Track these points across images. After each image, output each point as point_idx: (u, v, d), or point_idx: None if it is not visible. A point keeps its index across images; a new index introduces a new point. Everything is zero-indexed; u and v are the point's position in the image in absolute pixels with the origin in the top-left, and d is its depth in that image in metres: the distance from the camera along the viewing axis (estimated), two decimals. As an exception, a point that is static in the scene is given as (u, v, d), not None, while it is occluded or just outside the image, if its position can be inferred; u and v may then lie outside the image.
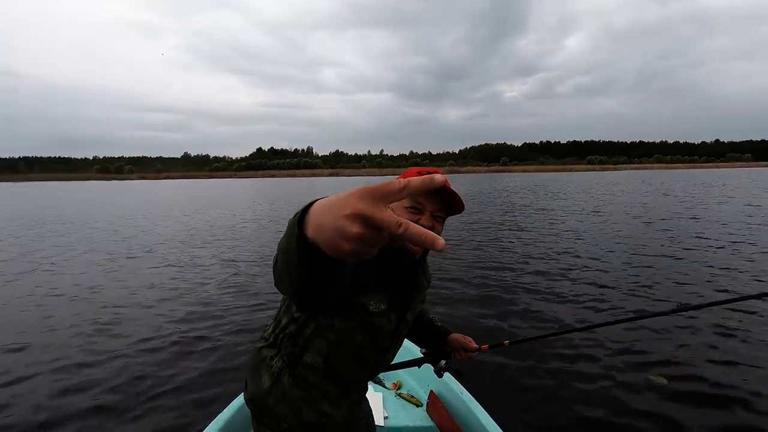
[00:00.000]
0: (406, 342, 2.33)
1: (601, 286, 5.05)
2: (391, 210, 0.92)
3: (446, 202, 1.09)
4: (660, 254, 6.66)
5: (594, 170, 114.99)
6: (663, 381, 2.95)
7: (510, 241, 8.26)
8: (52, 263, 7.23)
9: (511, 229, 10.01)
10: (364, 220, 0.46)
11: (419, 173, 1.06)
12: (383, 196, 0.46)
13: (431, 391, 2.12)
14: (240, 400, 1.80)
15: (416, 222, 1.04)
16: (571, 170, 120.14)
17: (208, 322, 4.28)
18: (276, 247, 0.74)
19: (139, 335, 3.96)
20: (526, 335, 1.88)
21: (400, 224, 0.44)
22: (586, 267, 5.98)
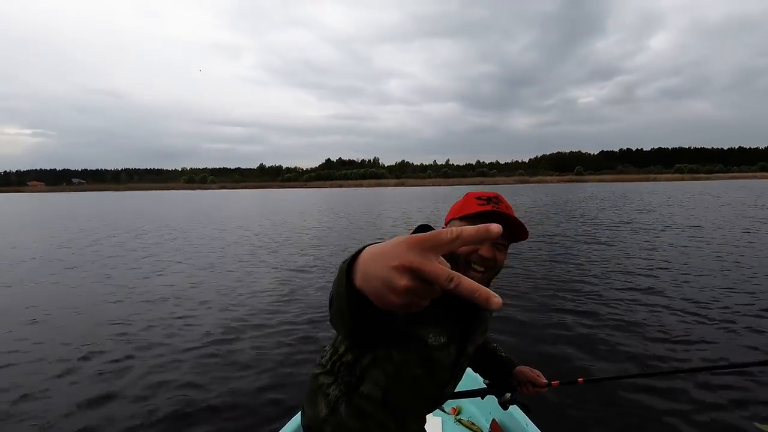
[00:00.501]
0: (469, 369, 2.19)
1: (699, 322, 4.38)
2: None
3: (509, 229, 1.04)
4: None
5: (683, 179, 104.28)
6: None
7: (588, 261, 7.72)
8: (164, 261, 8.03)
9: (588, 245, 9.40)
10: (413, 272, 0.43)
11: (478, 198, 1.04)
12: (433, 247, 0.43)
13: (493, 420, 2.02)
14: (296, 421, 1.75)
15: (475, 252, 1.00)
16: (654, 179, 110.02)
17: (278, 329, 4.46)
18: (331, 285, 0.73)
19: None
20: (604, 374, 1.73)
21: (452, 279, 0.41)
22: (682, 296, 5.29)
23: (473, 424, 2.13)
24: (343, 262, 0.57)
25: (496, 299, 0.40)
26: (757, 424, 2.65)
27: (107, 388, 3.23)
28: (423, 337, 1.00)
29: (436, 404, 1.15)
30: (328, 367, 1.10)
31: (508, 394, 1.40)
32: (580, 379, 1.49)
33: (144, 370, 3.53)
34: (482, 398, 1.49)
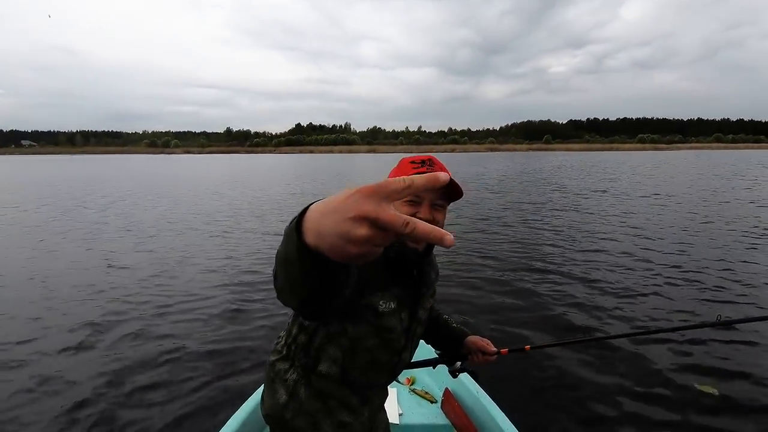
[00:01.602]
0: (422, 341, 2.25)
1: (641, 291, 4.53)
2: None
3: (446, 190, 1.03)
4: (720, 255, 5.95)
5: (645, 149, 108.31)
6: (712, 390, 2.75)
7: (541, 231, 7.87)
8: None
9: (542, 218, 9.57)
10: (370, 221, 0.44)
11: (412, 163, 1.05)
12: (387, 196, 0.44)
13: (446, 389, 2.08)
14: (248, 406, 1.75)
15: (414, 214, 1.00)
16: (618, 149, 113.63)
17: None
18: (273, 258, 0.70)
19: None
20: (550, 341, 1.79)
21: (407, 223, 0.42)
22: (626, 266, 5.49)
23: (427, 393, 2.19)
24: (289, 225, 0.56)
25: (449, 237, 0.42)
26: (697, 385, 2.79)
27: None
28: (374, 305, 1.00)
29: (394, 374, 1.15)
30: (284, 352, 1.11)
31: (459, 363, 1.43)
32: (527, 347, 1.54)
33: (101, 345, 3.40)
34: (434, 368, 1.51)
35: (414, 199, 1.01)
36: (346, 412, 1.10)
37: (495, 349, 1.38)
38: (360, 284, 0.95)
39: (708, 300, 4.31)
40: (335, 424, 1.09)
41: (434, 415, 2.05)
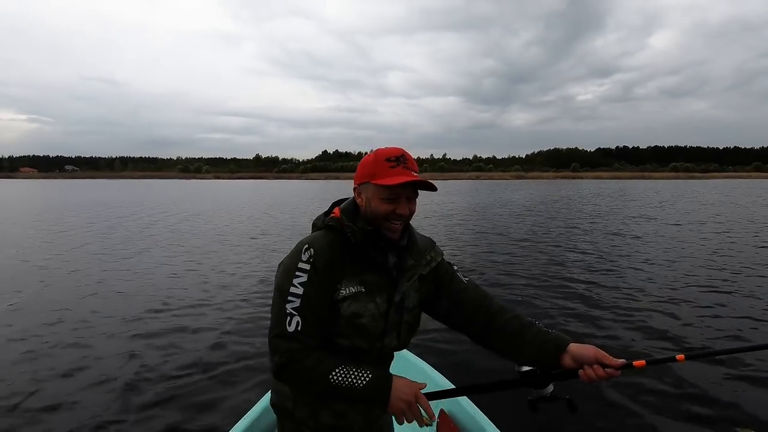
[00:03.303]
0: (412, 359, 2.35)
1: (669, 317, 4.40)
2: (368, 200, 1.13)
3: (421, 186, 1.11)
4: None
5: (678, 178, 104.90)
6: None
7: (575, 262, 7.52)
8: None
9: (573, 244, 9.17)
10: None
11: (388, 160, 1.09)
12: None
13: (441, 410, 2.00)
14: (265, 400, 1.85)
15: (393, 211, 1.10)
16: (650, 177, 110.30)
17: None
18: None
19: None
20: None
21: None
22: (660, 293, 5.20)
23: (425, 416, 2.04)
24: (363, 392, 1.03)
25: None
26: (738, 429, 2.56)
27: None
28: (338, 295, 1.09)
29: (381, 361, 1.22)
30: None
31: (552, 385, 1.09)
32: (679, 356, 1.13)
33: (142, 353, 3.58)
34: (516, 388, 1.12)
35: (392, 197, 1.09)
36: (342, 404, 1.15)
37: (621, 360, 1.05)
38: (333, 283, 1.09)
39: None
40: (333, 413, 1.15)
41: None
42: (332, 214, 1.19)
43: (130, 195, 29.39)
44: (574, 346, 1.08)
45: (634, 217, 14.60)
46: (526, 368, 1.08)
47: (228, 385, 3.14)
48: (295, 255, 1.10)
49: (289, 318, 1.04)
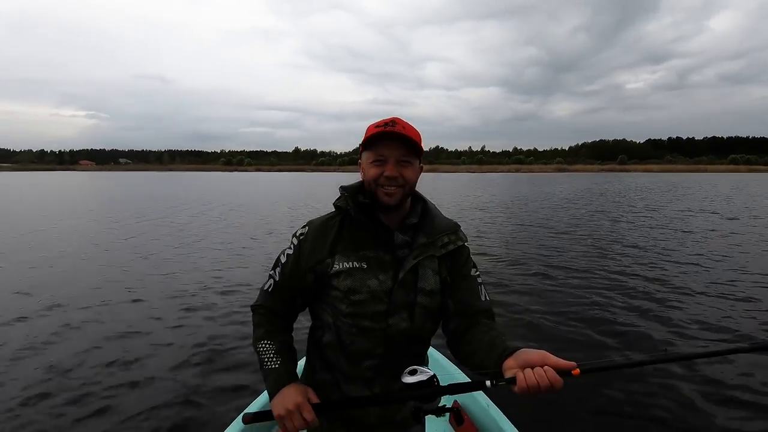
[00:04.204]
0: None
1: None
2: (365, 170, 1.12)
3: (408, 145, 1.07)
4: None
5: (738, 171, 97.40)
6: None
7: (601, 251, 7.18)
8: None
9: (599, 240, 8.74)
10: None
11: (376, 126, 1.08)
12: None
13: (455, 401, 2.00)
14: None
15: (381, 174, 1.06)
16: (705, 170, 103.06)
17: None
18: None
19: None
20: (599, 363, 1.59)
21: None
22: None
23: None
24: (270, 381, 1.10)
25: None
26: None
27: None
28: (329, 270, 1.09)
29: (388, 343, 1.10)
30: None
31: (488, 382, 0.90)
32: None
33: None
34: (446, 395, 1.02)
35: (379, 158, 1.06)
36: (351, 385, 1.13)
37: (569, 363, 0.89)
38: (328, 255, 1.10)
39: None
40: (343, 396, 1.13)
41: (442, 429, 1.99)
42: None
43: (189, 189, 30.76)
44: (522, 351, 0.93)
45: (685, 211, 13.75)
46: (412, 379, 0.92)
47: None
48: (294, 232, 1.20)
49: (268, 278, 1.20)
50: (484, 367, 0.97)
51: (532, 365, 0.87)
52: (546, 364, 0.87)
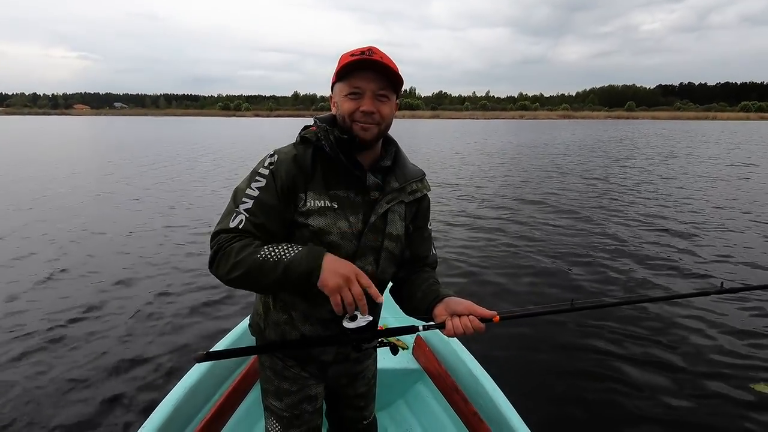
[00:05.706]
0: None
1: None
2: (338, 104, 1.06)
3: (387, 78, 1.01)
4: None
5: (749, 119, 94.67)
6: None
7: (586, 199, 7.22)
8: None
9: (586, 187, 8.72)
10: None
11: (351, 55, 1.01)
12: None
13: (417, 335, 2.07)
14: (245, 322, 1.91)
15: (357, 109, 1.01)
16: (715, 118, 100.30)
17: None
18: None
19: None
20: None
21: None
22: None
23: (398, 339, 2.23)
24: (291, 270, 0.95)
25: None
26: (752, 386, 2.51)
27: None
28: (301, 207, 1.04)
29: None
30: None
31: (422, 325, 1.09)
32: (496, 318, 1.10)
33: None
34: (390, 341, 1.29)
35: (355, 90, 1.01)
36: (308, 326, 1.12)
37: (491, 312, 1.03)
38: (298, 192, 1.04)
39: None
40: (299, 336, 1.12)
41: (406, 360, 2.10)
42: (311, 128, 1.12)
43: (200, 134, 30.83)
44: (451, 300, 1.06)
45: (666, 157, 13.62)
46: (352, 325, 0.98)
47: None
48: (260, 162, 1.09)
49: (234, 215, 1.02)
50: (418, 311, 1.16)
51: (459, 314, 1.03)
52: (471, 313, 1.03)
